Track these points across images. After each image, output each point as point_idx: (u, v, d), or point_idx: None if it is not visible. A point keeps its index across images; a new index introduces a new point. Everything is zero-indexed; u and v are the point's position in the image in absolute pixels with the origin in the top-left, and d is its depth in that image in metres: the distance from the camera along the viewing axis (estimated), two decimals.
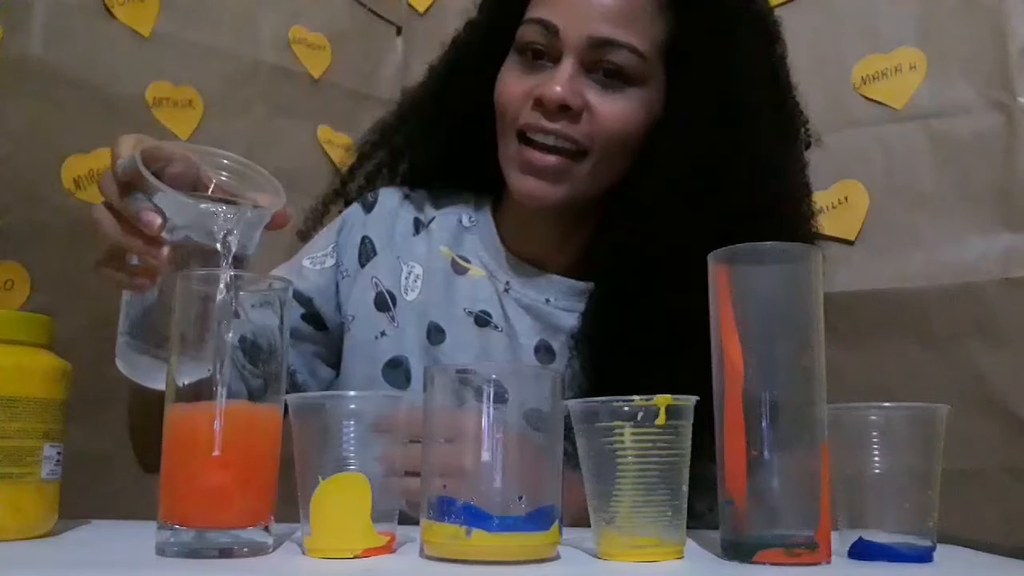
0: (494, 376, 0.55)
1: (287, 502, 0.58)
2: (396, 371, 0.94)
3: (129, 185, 0.65)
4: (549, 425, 0.56)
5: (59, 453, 0.62)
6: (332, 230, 1.02)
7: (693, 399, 0.57)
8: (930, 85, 1.18)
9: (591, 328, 0.90)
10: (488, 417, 0.54)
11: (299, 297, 0.97)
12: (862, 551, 0.59)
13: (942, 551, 0.60)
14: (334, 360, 1.00)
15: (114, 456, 1.13)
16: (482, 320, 0.94)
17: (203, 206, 0.65)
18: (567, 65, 0.86)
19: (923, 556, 0.59)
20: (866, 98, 1.23)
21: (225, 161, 0.72)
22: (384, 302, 0.97)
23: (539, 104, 0.86)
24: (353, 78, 1.52)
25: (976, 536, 0.70)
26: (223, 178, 0.71)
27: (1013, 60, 1.12)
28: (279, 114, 1.39)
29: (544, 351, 0.93)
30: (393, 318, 0.96)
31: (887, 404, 0.61)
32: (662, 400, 0.55)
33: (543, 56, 0.88)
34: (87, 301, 1.13)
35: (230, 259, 0.64)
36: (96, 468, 1.10)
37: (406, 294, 0.97)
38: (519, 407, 0.55)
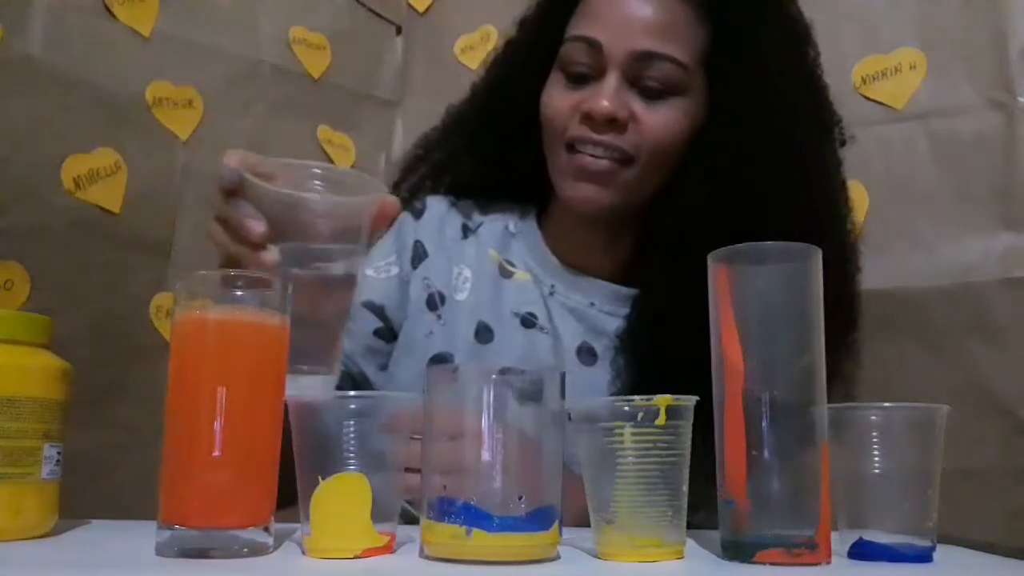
0: (494, 376, 0.55)
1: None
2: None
3: (233, 193, 0.66)
4: (550, 424, 0.56)
5: (59, 453, 0.62)
6: (389, 238, 1.04)
7: (693, 399, 0.57)
8: (930, 85, 1.18)
9: (636, 332, 0.92)
10: (488, 416, 0.54)
11: (371, 307, 0.99)
12: (862, 551, 0.59)
13: (942, 551, 0.60)
14: None
15: (114, 456, 1.14)
16: (528, 321, 0.96)
17: (299, 194, 0.65)
18: (612, 79, 0.88)
19: (923, 556, 0.59)
20: (866, 98, 1.23)
21: (318, 171, 0.71)
22: (434, 302, 0.98)
23: (587, 118, 0.88)
24: (353, 78, 1.52)
25: (976, 536, 0.70)
26: (318, 187, 0.71)
27: (1013, 60, 1.12)
28: (279, 114, 1.39)
29: (586, 353, 0.95)
30: (440, 316, 0.97)
31: (887, 404, 0.61)
32: (662, 400, 0.55)
33: (587, 72, 0.90)
34: (87, 301, 1.14)
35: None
36: (96, 468, 1.10)
37: (456, 294, 0.98)
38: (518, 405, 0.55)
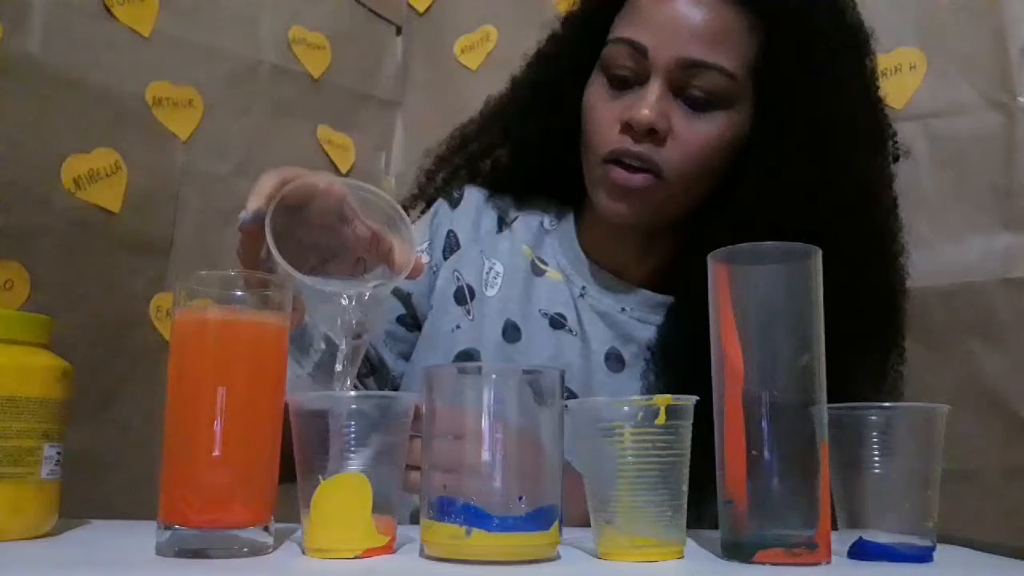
0: (494, 376, 0.55)
1: (287, 503, 0.58)
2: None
3: (256, 237, 0.65)
4: (550, 424, 0.56)
5: (59, 453, 0.62)
6: (423, 224, 1.03)
7: (693, 399, 0.57)
8: (930, 85, 1.18)
9: (669, 342, 0.90)
10: (488, 416, 0.54)
11: (398, 294, 0.98)
12: (862, 551, 0.59)
13: (942, 551, 0.60)
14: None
15: (114, 456, 1.14)
16: (557, 322, 0.95)
17: (322, 288, 0.65)
18: (655, 87, 0.85)
19: (923, 556, 0.59)
20: None
21: (368, 196, 0.71)
22: (463, 296, 0.97)
23: (627, 128, 0.86)
24: (353, 78, 1.52)
25: (976, 536, 0.70)
26: (359, 204, 0.71)
27: (1013, 60, 1.12)
28: (279, 114, 1.39)
29: (614, 359, 0.94)
30: (469, 311, 0.96)
31: (887, 404, 0.61)
32: (662, 400, 0.55)
33: (630, 76, 0.87)
34: (87, 301, 1.14)
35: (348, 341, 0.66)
36: (96, 468, 1.10)
37: (486, 289, 0.97)
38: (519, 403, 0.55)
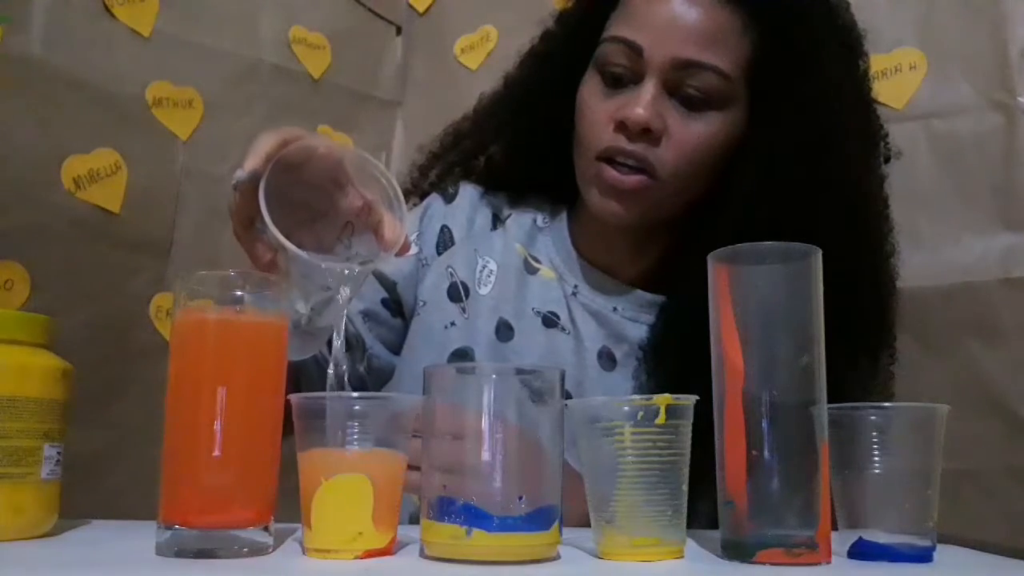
0: (494, 376, 0.55)
1: (287, 503, 0.58)
2: (461, 362, 0.94)
3: (250, 198, 0.65)
4: (550, 424, 0.56)
5: (59, 453, 0.62)
6: (415, 218, 1.03)
7: (693, 398, 0.57)
8: (930, 85, 1.18)
9: (661, 342, 0.90)
10: (488, 416, 0.54)
11: (383, 281, 0.98)
12: (862, 551, 0.59)
13: (942, 551, 0.60)
14: (397, 348, 1.01)
15: (114, 456, 1.14)
16: (550, 321, 0.95)
17: (312, 260, 0.66)
18: (650, 87, 0.85)
19: (923, 556, 0.59)
20: None
21: (368, 168, 0.71)
22: (457, 293, 0.97)
23: (622, 127, 0.86)
24: (353, 78, 1.52)
25: (976, 536, 0.70)
26: (357, 173, 0.71)
27: (1013, 60, 1.12)
28: (279, 114, 1.39)
29: (606, 358, 0.94)
30: (464, 309, 0.96)
31: (887, 404, 0.61)
32: (662, 400, 0.55)
33: (624, 75, 0.87)
34: (87, 301, 1.14)
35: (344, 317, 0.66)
36: (96, 468, 1.10)
37: (479, 288, 0.97)
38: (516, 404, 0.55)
